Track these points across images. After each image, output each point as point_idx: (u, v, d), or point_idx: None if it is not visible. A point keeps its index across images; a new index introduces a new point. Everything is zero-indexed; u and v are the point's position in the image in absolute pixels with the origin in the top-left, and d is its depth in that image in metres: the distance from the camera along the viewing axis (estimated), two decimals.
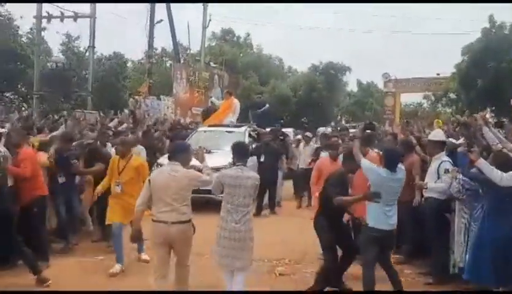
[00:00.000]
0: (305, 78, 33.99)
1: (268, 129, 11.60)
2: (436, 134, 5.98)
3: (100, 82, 23.05)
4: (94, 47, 19.56)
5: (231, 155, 8.83)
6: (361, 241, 4.72)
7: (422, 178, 5.85)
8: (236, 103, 12.69)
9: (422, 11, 72.69)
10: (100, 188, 6.09)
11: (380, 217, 4.52)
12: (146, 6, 19.12)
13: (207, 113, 13.93)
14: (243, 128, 11.56)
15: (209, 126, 11.94)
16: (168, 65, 29.30)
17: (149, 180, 4.45)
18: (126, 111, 13.62)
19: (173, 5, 20.52)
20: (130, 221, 5.08)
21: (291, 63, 39.68)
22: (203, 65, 24.02)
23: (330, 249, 4.95)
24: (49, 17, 18.91)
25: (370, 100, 38.07)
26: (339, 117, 40.28)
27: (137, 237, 4.64)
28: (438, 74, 27.58)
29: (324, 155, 7.60)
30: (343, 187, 4.82)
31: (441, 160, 5.51)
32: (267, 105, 13.43)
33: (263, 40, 64.98)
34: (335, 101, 36.16)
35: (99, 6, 19.33)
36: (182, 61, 22.74)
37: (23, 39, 23.37)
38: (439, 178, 5.47)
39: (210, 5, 24.72)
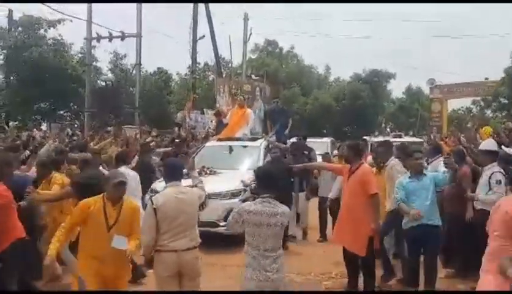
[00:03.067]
0: (348, 86, 33.75)
1: (292, 140, 10.22)
2: (488, 143, 5.79)
3: (145, 98, 23.87)
4: (140, 65, 20.33)
5: (247, 176, 7.44)
6: None
7: (474, 190, 5.66)
8: (249, 113, 11.04)
9: (467, 14, 70.37)
10: None
11: None
12: (189, 20, 19.76)
13: (216, 127, 12.39)
14: (259, 142, 9.60)
15: (218, 140, 10.31)
16: (210, 79, 29.89)
17: (154, 208, 3.73)
18: (176, 129, 13.99)
19: (214, 20, 20.99)
20: None
21: (333, 72, 39.35)
22: (244, 78, 24.34)
23: None
24: (99, 38, 19.87)
25: (416, 106, 37.20)
26: (383, 125, 39.55)
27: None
28: (486, 78, 26.58)
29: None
30: None
31: (493, 171, 5.33)
32: (287, 112, 11.16)
33: (305, 50, 65.08)
34: (379, 109, 35.63)
35: (144, 25, 20.08)
36: (224, 75, 23.16)
37: (74, 59, 24.66)
38: (490, 189, 5.29)
39: (252, 17, 25.15)
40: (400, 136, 15.78)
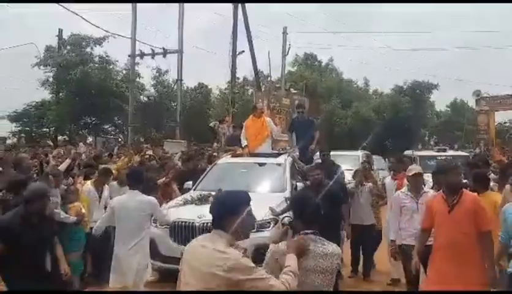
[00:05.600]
0: (389, 99, 33.14)
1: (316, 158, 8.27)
2: None
3: (186, 112, 24.37)
4: (181, 80, 20.79)
5: (275, 202, 6.00)
6: None
7: None
8: (269, 122, 9.10)
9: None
10: None
11: None
12: (229, 36, 20.03)
13: (230, 142, 10.47)
14: (282, 158, 7.87)
15: (233, 156, 8.56)
16: (249, 93, 30.14)
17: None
18: (215, 145, 14.10)
19: (253, 35, 21.18)
20: None
21: (373, 85, 38.76)
22: (283, 92, 24.37)
23: None
24: (142, 55, 20.54)
25: (462, 120, 36.00)
26: (427, 138, 38.47)
27: None
28: None
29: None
30: None
31: None
32: (314, 123, 9.15)
33: (345, 63, 64.68)
34: (422, 122, 34.71)
35: (186, 41, 20.57)
36: (263, 89, 23.27)
37: (119, 76, 25.57)
38: None
39: (291, 31, 25.26)
40: (444, 150, 15.28)
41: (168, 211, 6.12)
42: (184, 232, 5.88)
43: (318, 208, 2.90)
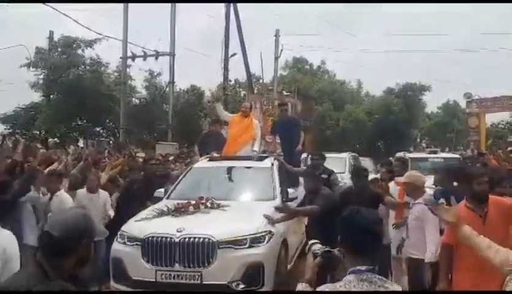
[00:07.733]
0: (381, 101, 33.32)
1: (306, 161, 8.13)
2: None
3: (179, 115, 24.30)
4: (173, 82, 20.73)
5: (267, 210, 5.23)
6: None
7: None
8: (255, 124, 8.25)
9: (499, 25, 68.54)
10: None
11: None
12: (221, 39, 20.00)
13: (205, 141, 8.90)
14: (268, 162, 6.94)
15: (210, 160, 7.39)
16: (242, 95, 30.13)
17: None
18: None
19: (245, 37, 21.17)
20: None
21: (365, 87, 38.96)
22: (275, 94, 24.42)
23: None
24: (134, 57, 20.42)
25: (454, 121, 36.31)
26: (418, 140, 38.72)
27: None
28: None
29: None
30: None
31: None
32: (299, 123, 8.53)
33: (337, 65, 64.97)
34: (414, 124, 34.94)
35: (178, 43, 20.52)
36: (255, 91, 23.30)
37: (110, 79, 25.41)
38: None
39: (282, 35, 25.32)
40: (435, 152, 15.34)
41: (138, 224, 5.28)
42: (159, 249, 4.82)
43: (378, 234, 2.07)
